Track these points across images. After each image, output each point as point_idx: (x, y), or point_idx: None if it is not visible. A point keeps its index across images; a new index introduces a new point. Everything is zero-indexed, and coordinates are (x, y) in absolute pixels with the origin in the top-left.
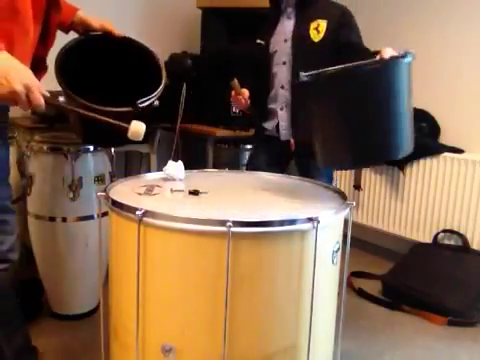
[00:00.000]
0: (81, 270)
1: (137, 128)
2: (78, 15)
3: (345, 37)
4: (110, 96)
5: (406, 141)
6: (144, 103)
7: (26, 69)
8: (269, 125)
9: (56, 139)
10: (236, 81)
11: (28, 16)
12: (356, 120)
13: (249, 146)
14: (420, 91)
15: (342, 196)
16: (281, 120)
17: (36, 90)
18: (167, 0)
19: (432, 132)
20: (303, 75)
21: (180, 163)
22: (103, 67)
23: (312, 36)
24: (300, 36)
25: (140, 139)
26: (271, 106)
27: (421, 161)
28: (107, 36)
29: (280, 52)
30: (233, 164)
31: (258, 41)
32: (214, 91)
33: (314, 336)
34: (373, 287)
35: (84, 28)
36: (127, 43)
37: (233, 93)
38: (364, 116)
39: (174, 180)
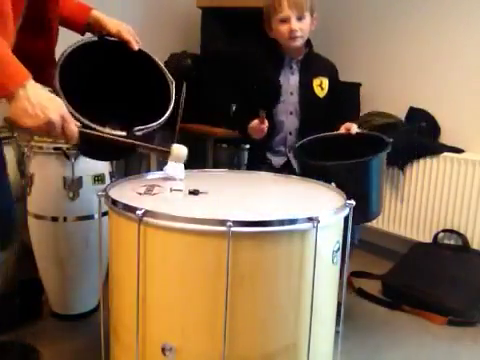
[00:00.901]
0: (81, 270)
1: (179, 152)
2: (93, 15)
3: (338, 93)
4: (114, 107)
5: (376, 208)
6: (140, 131)
7: (57, 98)
8: (277, 161)
9: (56, 139)
10: (264, 114)
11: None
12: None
13: (248, 146)
14: (420, 90)
15: (342, 196)
16: (291, 159)
17: (71, 121)
18: None
19: (432, 132)
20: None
21: (181, 163)
22: (112, 75)
23: (317, 92)
24: (307, 92)
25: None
26: (279, 148)
27: (421, 161)
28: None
29: (287, 103)
30: (233, 164)
31: (255, 87)
32: (214, 91)
33: (314, 335)
34: (373, 287)
35: (100, 30)
36: (142, 57)
37: (256, 122)
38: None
39: (174, 180)
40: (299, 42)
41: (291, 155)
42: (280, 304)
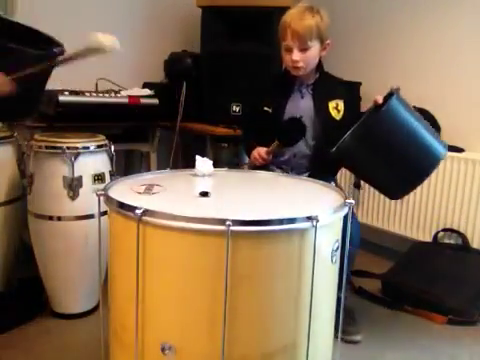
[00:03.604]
0: (81, 269)
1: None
2: None
3: (357, 113)
4: None
5: (429, 157)
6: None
7: None
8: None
9: (56, 138)
10: (275, 145)
11: None
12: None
13: None
14: (419, 89)
15: (342, 195)
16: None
17: None
18: None
19: None
20: (333, 151)
21: (207, 159)
22: None
23: (333, 115)
24: (322, 116)
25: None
26: (281, 166)
27: None
28: None
29: None
30: (233, 163)
31: (265, 109)
32: (214, 90)
33: (313, 335)
34: (373, 286)
35: None
36: None
37: (260, 152)
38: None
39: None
40: (301, 72)
41: (291, 172)
42: (279, 303)
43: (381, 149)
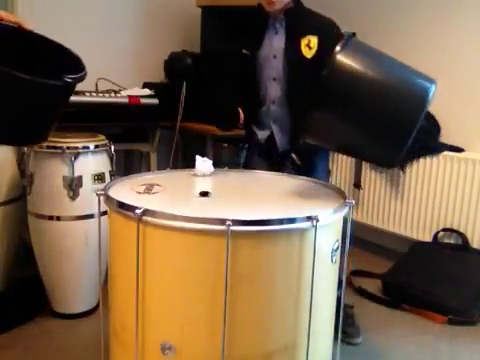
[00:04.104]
0: (81, 269)
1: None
2: None
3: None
4: None
5: (413, 100)
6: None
7: None
8: (261, 135)
9: (56, 138)
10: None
11: None
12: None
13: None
14: None
15: (342, 195)
16: (276, 133)
17: None
18: None
19: (432, 131)
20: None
21: (207, 159)
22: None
23: (304, 53)
24: (292, 54)
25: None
26: (264, 119)
27: (421, 160)
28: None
29: (269, 68)
30: (233, 163)
31: (244, 51)
32: (214, 90)
33: (313, 334)
34: (373, 286)
35: None
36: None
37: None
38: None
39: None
40: (276, 6)
41: (275, 127)
42: (279, 303)
43: (350, 111)
